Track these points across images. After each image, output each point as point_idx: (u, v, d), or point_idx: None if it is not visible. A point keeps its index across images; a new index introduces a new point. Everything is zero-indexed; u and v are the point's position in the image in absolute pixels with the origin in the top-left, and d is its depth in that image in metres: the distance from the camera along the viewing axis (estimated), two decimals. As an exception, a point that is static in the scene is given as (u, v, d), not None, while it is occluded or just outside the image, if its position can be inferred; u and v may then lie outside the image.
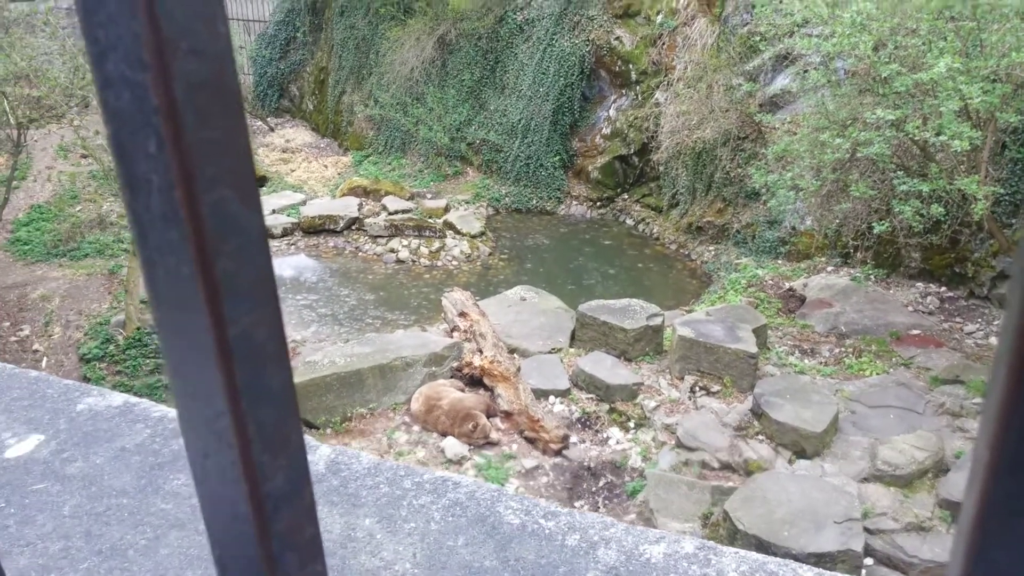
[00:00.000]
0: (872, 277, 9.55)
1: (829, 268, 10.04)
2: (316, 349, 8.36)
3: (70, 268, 10.61)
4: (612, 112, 13.61)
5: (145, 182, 0.44)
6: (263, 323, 0.48)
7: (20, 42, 10.04)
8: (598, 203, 13.66)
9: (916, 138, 7.21)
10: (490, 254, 11.98)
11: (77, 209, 11.59)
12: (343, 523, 1.03)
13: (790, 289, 9.53)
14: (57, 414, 1.27)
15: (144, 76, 0.41)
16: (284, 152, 16.05)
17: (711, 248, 11.51)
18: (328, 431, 6.66)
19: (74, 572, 0.98)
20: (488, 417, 6.69)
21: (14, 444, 1.19)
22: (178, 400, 0.50)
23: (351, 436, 6.61)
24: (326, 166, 15.50)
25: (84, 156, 11.81)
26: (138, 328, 8.86)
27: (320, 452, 1.15)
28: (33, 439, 1.21)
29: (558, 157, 13.82)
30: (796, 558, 4.80)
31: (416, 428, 6.73)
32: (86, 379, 7.92)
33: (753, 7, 10.35)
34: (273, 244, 11.87)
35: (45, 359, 8.61)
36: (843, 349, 8.06)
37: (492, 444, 6.57)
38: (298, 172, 15.16)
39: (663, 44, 12.83)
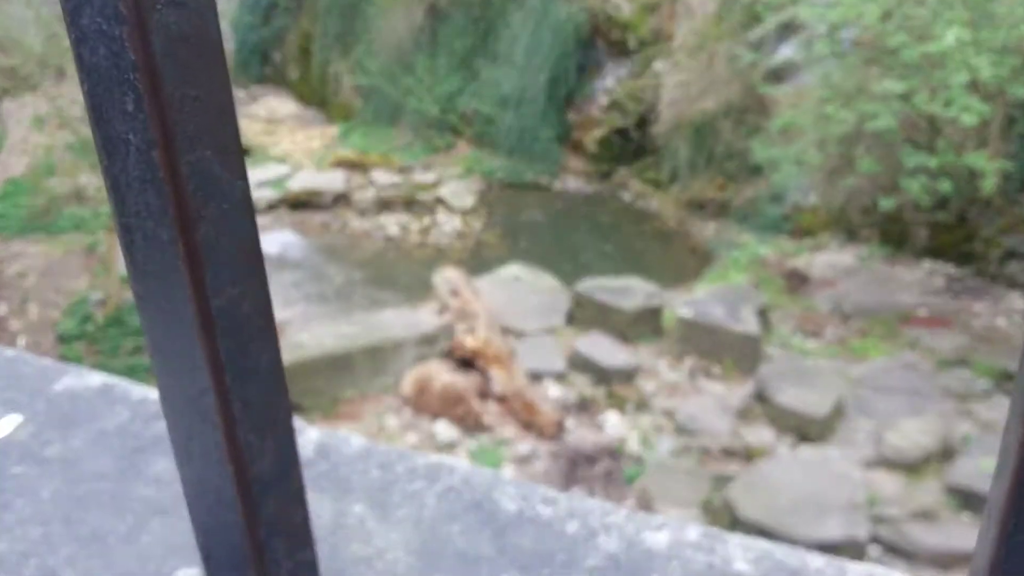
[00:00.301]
0: (878, 255, 9.56)
1: (833, 246, 10.04)
2: (303, 329, 8.34)
3: (47, 244, 10.56)
4: (610, 83, 13.56)
5: (122, 142, 0.42)
6: (248, 294, 0.46)
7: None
8: (595, 177, 13.62)
9: (924, 111, 7.21)
10: (483, 230, 11.96)
11: (53, 182, 11.52)
12: (333, 509, 1.02)
13: (793, 268, 9.53)
14: (35, 394, 1.26)
15: (121, 29, 0.40)
16: (267, 123, 15.95)
17: (712, 225, 11.50)
18: (316, 414, 6.67)
19: (54, 558, 0.98)
20: (481, 400, 6.70)
21: (-10, 426, 1.19)
22: (159, 377, 0.49)
23: (340, 419, 6.62)
24: (311, 138, 15.41)
25: (60, 127, 11.73)
26: (117, 307, 8.84)
27: (308, 435, 1.14)
28: (10, 421, 1.20)
29: (553, 129, 13.76)
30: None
31: (407, 411, 6.74)
32: (64, 359, 7.91)
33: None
34: (257, 219, 11.77)
35: (23, 338, 8.59)
36: (848, 330, 8.08)
37: (485, 428, 6.58)
38: (282, 144, 15.06)
39: (663, 12, 12.77)
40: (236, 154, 0.45)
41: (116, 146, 0.43)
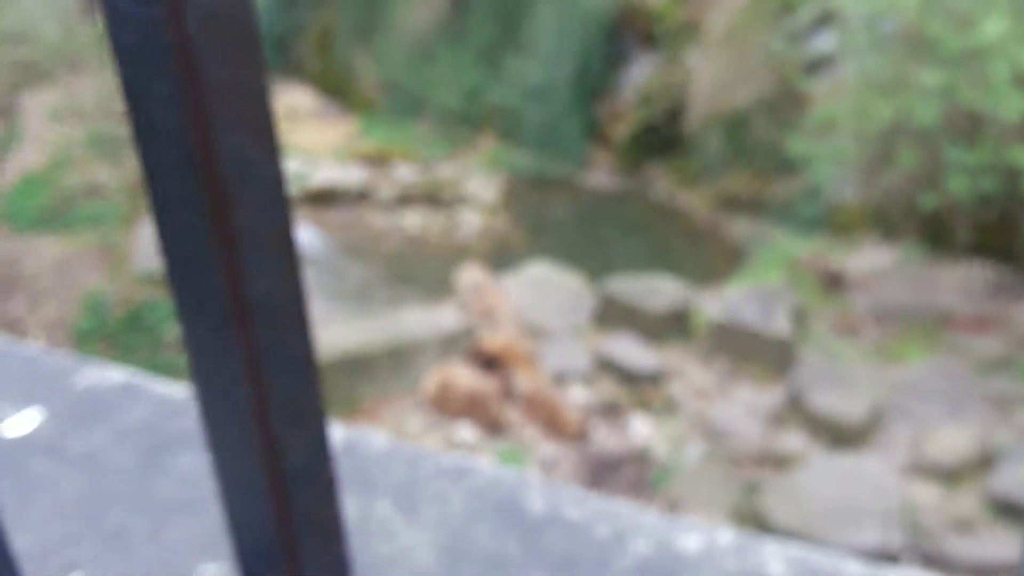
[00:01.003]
0: (917, 255, 9.48)
1: (871, 245, 9.96)
2: (321, 328, 8.39)
3: (62, 240, 10.67)
4: (638, 75, 13.52)
5: (157, 127, 0.43)
6: (284, 281, 0.47)
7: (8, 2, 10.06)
8: (622, 172, 13.58)
9: (965, 106, 7.15)
10: (507, 227, 11.97)
11: (70, 177, 11.63)
12: (358, 507, 1.04)
13: (829, 267, 9.47)
14: (56, 390, 1.28)
15: (155, 10, 0.40)
16: (287, 116, 16.02)
17: (744, 222, 11.44)
18: (334, 415, 6.70)
19: (76, 556, 1.00)
20: (504, 402, 6.71)
21: (13, 422, 1.21)
22: (192, 366, 0.50)
23: (359, 420, 6.65)
24: (332, 132, 15.48)
25: (78, 121, 11.84)
26: (134, 305, 8.92)
27: (333, 432, 1.15)
28: (33, 417, 1.22)
29: (579, 123, 13.74)
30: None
31: (429, 413, 6.77)
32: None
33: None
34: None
35: (39, 335, 8.69)
36: (885, 332, 8.03)
37: (508, 430, 6.60)
38: (302, 138, 15.12)
39: (694, 1, 12.72)
40: (271, 138, 0.46)
41: (150, 131, 0.44)
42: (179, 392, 1.28)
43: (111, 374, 1.33)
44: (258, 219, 0.45)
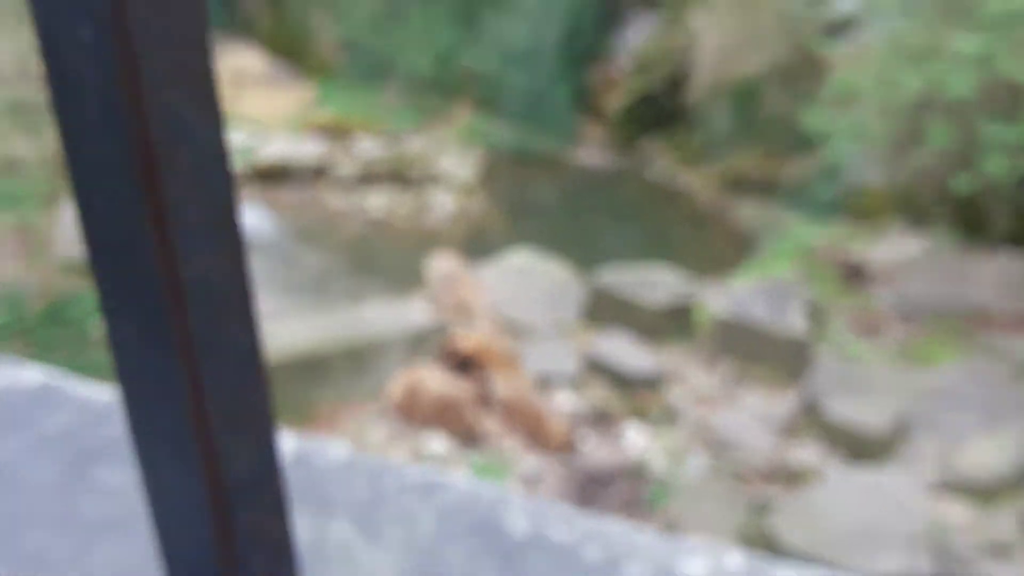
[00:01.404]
0: (948, 244, 9.55)
1: (896, 233, 10.02)
2: (273, 325, 8.36)
3: (-28, 221, 10.57)
4: (635, 38, 13.53)
5: (77, 79, 0.41)
6: (224, 262, 0.46)
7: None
8: (616, 149, 13.61)
9: (1005, 77, 7.20)
10: (484, 210, 11.97)
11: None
12: (312, 527, 1.03)
13: (848, 258, 9.52)
14: (-36, 393, 1.26)
15: None
16: (233, 80, 15.93)
17: (753, 206, 11.48)
18: (287, 423, 6.67)
19: (-12, 582, 0.99)
20: (480, 409, 6.72)
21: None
22: (118, 364, 0.48)
23: (315, 429, 6.64)
24: (284, 99, 15.40)
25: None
26: (56, 296, 8.85)
27: (285, 442, 1.15)
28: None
29: (568, 93, 13.74)
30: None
31: (394, 421, 6.76)
32: (-8, 356, 7.90)
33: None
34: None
35: (-58, 331, 8.61)
36: (911, 332, 8.08)
37: (484, 441, 6.60)
38: (250, 106, 15.04)
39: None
40: (211, 98, 0.44)
41: (69, 84, 0.42)
42: (105, 395, 1.27)
43: (28, 374, 1.32)
44: (195, 190, 0.44)
